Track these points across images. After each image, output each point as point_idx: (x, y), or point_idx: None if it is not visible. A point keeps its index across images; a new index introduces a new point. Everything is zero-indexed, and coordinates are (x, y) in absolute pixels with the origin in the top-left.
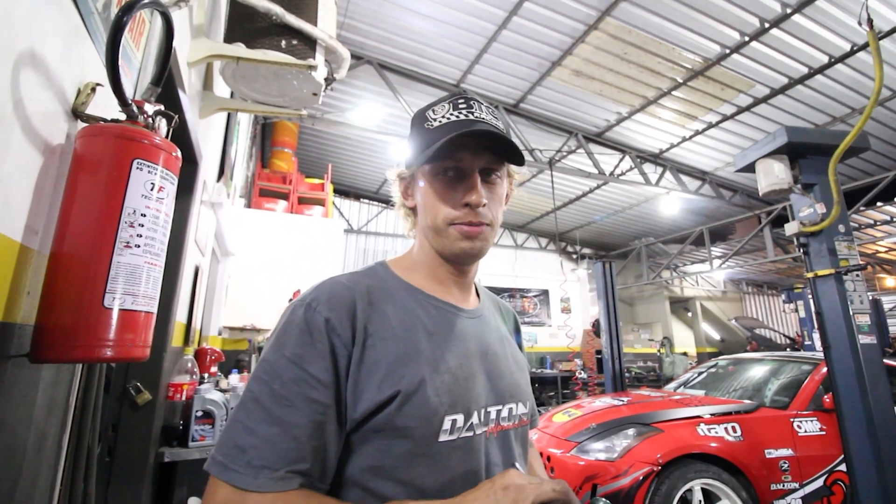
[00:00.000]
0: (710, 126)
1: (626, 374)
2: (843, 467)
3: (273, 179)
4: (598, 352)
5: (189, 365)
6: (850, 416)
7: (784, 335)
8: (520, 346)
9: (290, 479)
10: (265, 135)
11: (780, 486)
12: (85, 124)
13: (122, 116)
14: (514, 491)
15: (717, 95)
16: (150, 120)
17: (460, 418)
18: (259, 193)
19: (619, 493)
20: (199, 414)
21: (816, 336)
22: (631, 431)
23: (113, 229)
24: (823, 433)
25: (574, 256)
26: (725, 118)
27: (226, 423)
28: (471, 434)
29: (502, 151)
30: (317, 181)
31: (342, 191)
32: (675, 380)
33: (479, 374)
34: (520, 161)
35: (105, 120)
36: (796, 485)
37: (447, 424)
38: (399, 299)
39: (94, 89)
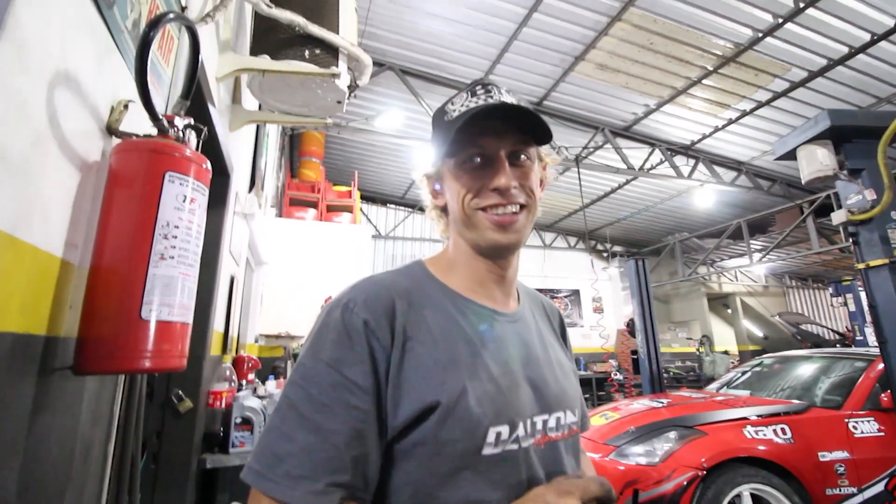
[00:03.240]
0: (745, 114)
1: (665, 375)
2: None
3: (302, 188)
4: (634, 352)
5: (227, 373)
6: None
7: (833, 330)
8: (565, 342)
9: (331, 492)
10: (293, 145)
11: (836, 491)
12: (119, 140)
13: (154, 131)
14: (558, 493)
15: (750, 82)
16: (180, 133)
17: (505, 430)
18: (289, 203)
19: (663, 498)
20: (239, 420)
21: (869, 331)
22: (672, 434)
23: (148, 242)
24: (882, 434)
25: (605, 255)
26: (761, 105)
27: (263, 429)
28: (516, 447)
29: (528, 130)
30: (344, 188)
31: (369, 197)
32: (716, 380)
33: (523, 383)
34: (546, 138)
35: (138, 135)
36: (854, 489)
37: (491, 437)
38: (437, 302)
39: (126, 106)
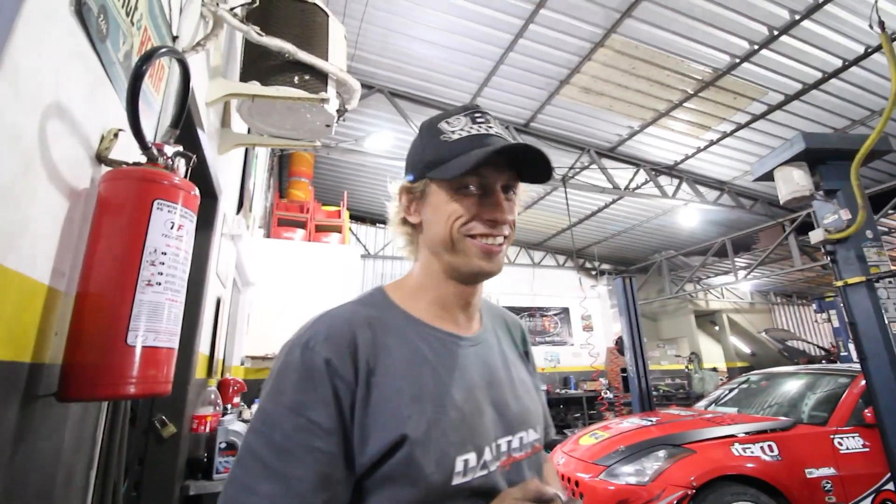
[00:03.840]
0: (725, 135)
1: (654, 393)
2: (891, 486)
3: (291, 209)
4: (624, 370)
5: (212, 396)
6: (893, 430)
7: (818, 346)
8: (527, 356)
9: None
10: (282, 165)
11: None
12: (108, 168)
13: (143, 159)
14: (524, 490)
15: (729, 105)
16: (169, 161)
17: (472, 457)
18: (277, 223)
19: None
20: (223, 445)
21: (852, 346)
22: (662, 453)
23: (135, 268)
24: (867, 450)
25: (593, 273)
26: (740, 127)
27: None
28: (485, 472)
29: (522, 170)
30: (333, 208)
31: (358, 216)
32: (705, 397)
33: (486, 406)
34: (545, 178)
35: (127, 163)
36: None
37: (460, 466)
38: (400, 331)
39: (116, 135)
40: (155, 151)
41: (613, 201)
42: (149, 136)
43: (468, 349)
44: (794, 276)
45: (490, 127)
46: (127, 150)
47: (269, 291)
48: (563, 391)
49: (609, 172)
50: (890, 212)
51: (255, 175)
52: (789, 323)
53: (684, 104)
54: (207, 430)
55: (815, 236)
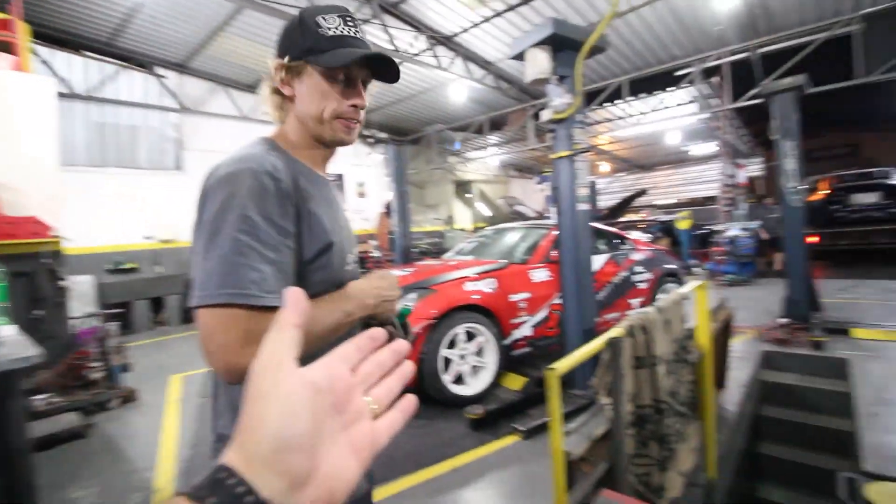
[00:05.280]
0: (497, 14)
1: (415, 250)
2: (558, 301)
3: None
4: (391, 233)
5: None
6: (566, 262)
7: (535, 210)
8: None
9: None
10: None
11: (518, 320)
12: None
13: None
14: (382, 276)
15: None
16: None
17: (350, 257)
18: None
19: None
20: None
21: (554, 210)
22: (413, 295)
23: None
24: (549, 278)
25: (370, 141)
26: (510, 8)
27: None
28: (353, 266)
29: (377, 69)
30: None
31: (51, 37)
32: None
33: (347, 226)
34: (394, 80)
35: None
36: (529, 317)
37: (349, 260)
38: (304, 173)
39: None
40: None
41: None
42: None
43: (332, 188)
44: (527, 154)
45: (357, 31)
46: None
47: None
48: None
49: (391, 32)
50: (594, 107)
51: None
52: (519, 192)
53: None
54: None
55: (545, 115)
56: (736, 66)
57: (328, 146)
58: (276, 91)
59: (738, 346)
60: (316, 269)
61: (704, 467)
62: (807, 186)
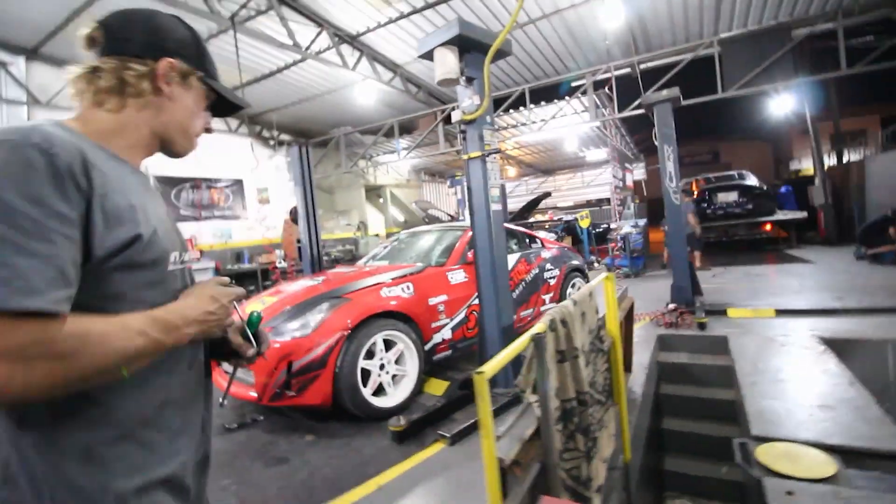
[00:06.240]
0: (403, 16)
1: (326, 258)
2: (476, 301)
3: None
4: (299, 241)
5: None
6: (482, 262)
7: (447, 213)
8: None
9: (64, 303)
10: None
11: (438, 323)
12: None
13: None
14: (204, 286)
15: None
16: None
17: (176, 255)
18: None
19: (313, 362)
20: None
21: (466, 212)
22: (325, 305)
23: None
24: (466, 280)
25: (271, 143)
26: (416, 11)
27: None
28: (181, 266)
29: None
30: None
31: None
32: None
33: (172, 224)
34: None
35: None
36: (448, 319)
37: (172, 258)
38: (108, 161)
39: None
40: None
41: (294, 63)
42: None
43: (146, 181)
44: (439, 159)
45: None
46: None
47: None
48: (237, 266)
49: (290, 26)
50: (500, 113)
51: None
52: (432, 196)
53: None
54: None
55: (455, 116)
56: (621, 79)
57: (167, 153)
58: (120, 78)
59: (637, 331)
60: (118, 267)
61: (622, 450)
62: (683, 187)
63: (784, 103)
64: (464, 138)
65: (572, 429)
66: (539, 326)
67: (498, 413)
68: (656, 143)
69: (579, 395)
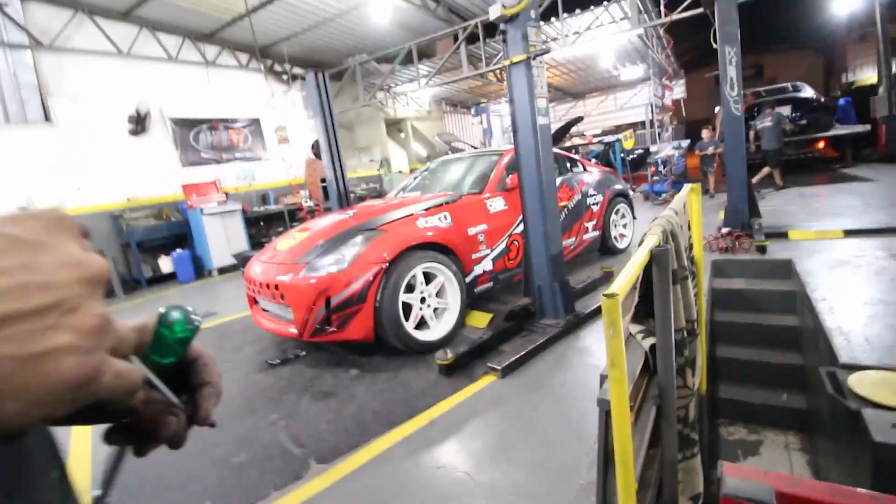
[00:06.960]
0: None
1: (351, 195)
2: (518, 230)
3: None
4: (323, 180)
5: None
6: (528, 184)
7: (472, 145)
8: None
9: None
10: None
11: (478, 254)
12: None
13: None
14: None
15: None
16: None
17: None
18: None
19: (353, 297)
20: None
21: (495, 141)
22: (359, 239)
23: None
24: (506, 208)
25: (284, 77)
26: None
27: None
28: None
29: None
30: None
31: None
32: None
33: None
34: None
35: None
36: (489, 250)
37: None
38: None
39: None
40: None
41: None
42: None
43: None
44: (461, 86)
45: None
46: None
47: None
48: (264, 208)
49: None
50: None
51: None
52: (455, 128)
53: None
54: None
55: (494, 11)
56: None
57: None
58: None
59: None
60: None
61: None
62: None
63: (847, 1)
64: (504, 40)
65: (681, 363)
66: (652, 239)
67: (546, 346)
68: (715, 45)
69: (688, 324)
